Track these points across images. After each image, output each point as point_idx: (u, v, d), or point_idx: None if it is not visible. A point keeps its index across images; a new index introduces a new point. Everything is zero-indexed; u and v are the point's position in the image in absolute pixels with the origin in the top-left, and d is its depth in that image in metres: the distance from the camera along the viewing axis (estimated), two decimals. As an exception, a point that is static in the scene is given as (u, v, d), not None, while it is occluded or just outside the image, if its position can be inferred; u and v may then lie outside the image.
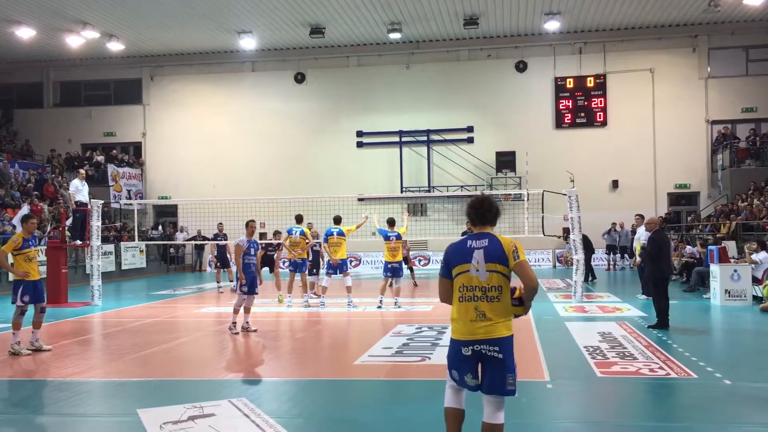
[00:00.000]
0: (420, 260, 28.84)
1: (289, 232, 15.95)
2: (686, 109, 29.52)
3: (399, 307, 14.75)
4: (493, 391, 4.98)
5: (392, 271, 15.17)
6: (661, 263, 11.07)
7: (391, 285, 15.43)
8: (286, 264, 16.15)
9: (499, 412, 4.99)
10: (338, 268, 15.34)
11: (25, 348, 9.96)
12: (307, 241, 15.74)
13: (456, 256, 4.95)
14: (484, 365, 5.00)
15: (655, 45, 29.67)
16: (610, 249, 27.05)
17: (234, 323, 11.70)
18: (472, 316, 4.95)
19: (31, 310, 10.15)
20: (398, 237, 15.13)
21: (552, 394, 7.38)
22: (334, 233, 15.33)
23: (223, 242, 19.71)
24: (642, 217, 17.54)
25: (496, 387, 4.97)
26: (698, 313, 13.76)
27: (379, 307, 14.86)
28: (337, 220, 15.81)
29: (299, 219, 16.30)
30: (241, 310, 11.86)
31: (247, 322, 11.84)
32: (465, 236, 5.09)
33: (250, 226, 12.20)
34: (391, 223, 15.48)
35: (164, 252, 30.74)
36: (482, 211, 4.96)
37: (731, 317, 13.08)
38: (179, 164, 32.39)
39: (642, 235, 16.00)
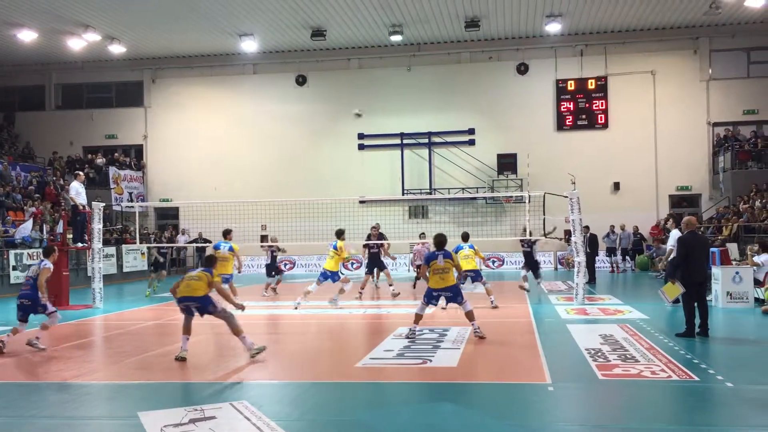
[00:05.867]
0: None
1: (216, 247, 16.29)
2: (687, 111, 29.52)
3: (496, 307, 14.75)
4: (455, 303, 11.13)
5: (469, 279, 15.53)
6: (688, 268, 10.87)
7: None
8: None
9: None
10: (330, 278, 15.67)
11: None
12: (235, 256, 16.31)
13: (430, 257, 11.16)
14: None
15: (656, 47, 29.68)
16: (610, 251, 27.07)
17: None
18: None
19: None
20: (471, 247, 15.35)
21: (553, 396, 7.37)
22: (330, 247, 15.90)
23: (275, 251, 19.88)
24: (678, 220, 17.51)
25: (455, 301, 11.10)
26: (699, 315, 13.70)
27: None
28: (338, 234, 16.19)
29: (225, 233, 16.56)
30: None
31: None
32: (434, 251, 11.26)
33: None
34: (465, 237, 15.69)
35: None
36: (440, 241, 11.28)
37: (733, 320, 13.05)
38: (181, 167, 32.42)
39: (672, 238, 15.94)
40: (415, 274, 20.10)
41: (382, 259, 18.65)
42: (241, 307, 10.44)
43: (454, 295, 11.04)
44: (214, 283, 9.77)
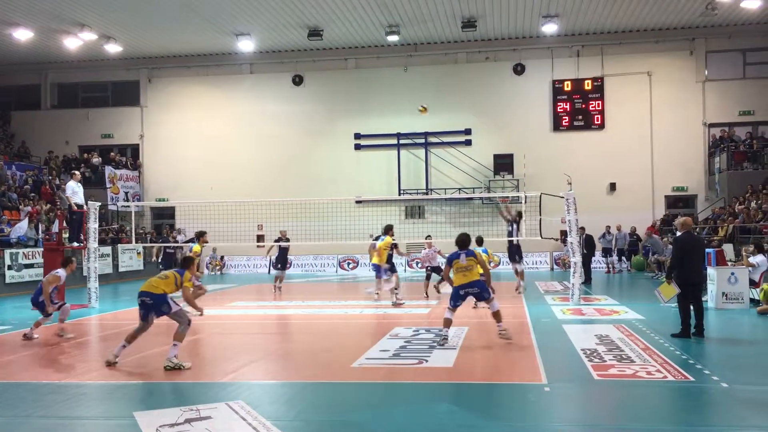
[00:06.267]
0: (417, 263, 28.76)
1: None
2: (684, 112, 29.57)
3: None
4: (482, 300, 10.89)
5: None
6: (684, 268, 10.94)
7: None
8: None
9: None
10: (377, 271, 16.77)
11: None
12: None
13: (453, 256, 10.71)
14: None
15: (652, 48, 29.72)
16: (606, 252, 27.09)
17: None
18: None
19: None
20: (484, 251, 15.05)
21: (549, 396, 7.38)
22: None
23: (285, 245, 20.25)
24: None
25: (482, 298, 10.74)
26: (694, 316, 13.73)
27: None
28: (386, 230, 16.97)
29: (198, 236, 16.79)
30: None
31: None
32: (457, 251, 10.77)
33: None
34: (479, 241, 15.61)
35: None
36: (463, 240, 10.87)
37: (728, 320, 13.09)
38: (177, 166, 32.37)
39: None
40: (425, 274, 18.73)
41: (394, 260, 18.01)
42: (200, 311, 10.37)
43: (481, 290, 10.55)
44: (183, 286, 9.45)
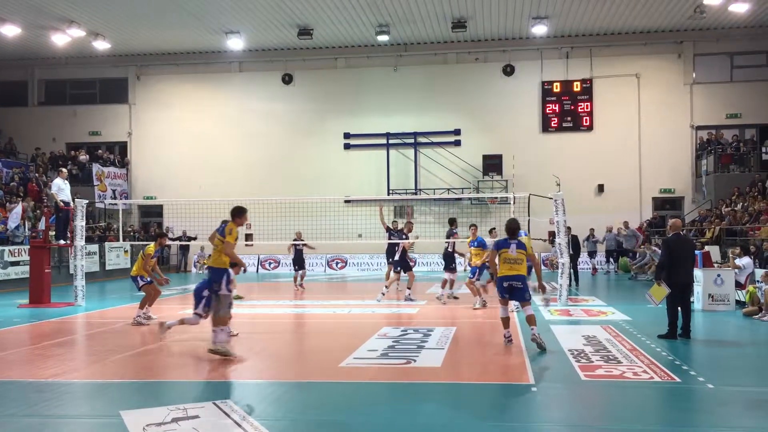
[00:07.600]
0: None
1: None
2: (671, 115, 29.75)
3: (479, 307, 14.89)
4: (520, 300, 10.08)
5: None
6: (673, 269, 10.99)
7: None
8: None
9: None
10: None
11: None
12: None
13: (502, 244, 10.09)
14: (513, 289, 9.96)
15: (641, 50, 29.89)
16: (591, 254, 27.21)
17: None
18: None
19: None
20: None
21: (536, 397, 7.39)
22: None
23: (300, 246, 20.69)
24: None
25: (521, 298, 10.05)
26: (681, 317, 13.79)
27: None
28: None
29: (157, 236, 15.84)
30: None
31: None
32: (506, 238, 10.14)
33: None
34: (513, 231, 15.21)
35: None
36: (513, 229, 10.17)
37: (714, 322, 13.17)
38: (165, 164, 32.24)
39: None
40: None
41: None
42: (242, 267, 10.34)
43: (523, 288, 9.96)
44: (225, 240, 9.45)
